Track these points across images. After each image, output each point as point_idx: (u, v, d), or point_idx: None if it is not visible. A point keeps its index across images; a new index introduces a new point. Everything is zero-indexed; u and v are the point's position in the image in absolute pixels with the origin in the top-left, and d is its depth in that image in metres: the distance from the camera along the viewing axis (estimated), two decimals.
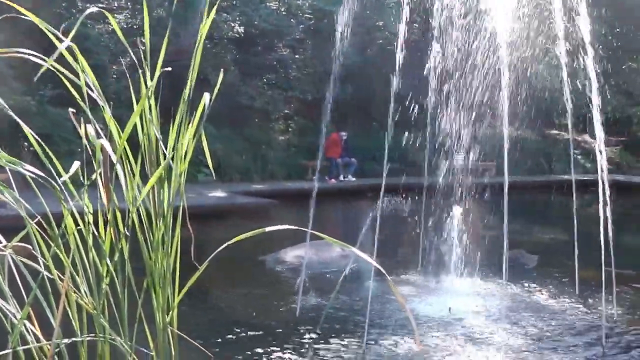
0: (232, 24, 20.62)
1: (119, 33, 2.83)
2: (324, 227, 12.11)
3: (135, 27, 20.38)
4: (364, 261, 7.66)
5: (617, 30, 28.67)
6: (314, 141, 20.26)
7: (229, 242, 2.79)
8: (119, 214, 2.82)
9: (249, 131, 22.18)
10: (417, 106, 10.03)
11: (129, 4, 21.25)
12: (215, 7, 2.81)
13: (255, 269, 9.87)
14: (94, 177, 2.65)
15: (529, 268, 10.51)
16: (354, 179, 21.71)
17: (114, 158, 2.59)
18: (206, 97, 2.78)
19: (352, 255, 8.60)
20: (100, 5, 20.20)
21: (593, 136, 7.68)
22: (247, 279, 9.45)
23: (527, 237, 12.46)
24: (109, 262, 2.82)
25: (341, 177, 21.80)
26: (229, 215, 14.11)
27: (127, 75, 2.84)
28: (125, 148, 2.78)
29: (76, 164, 2.48)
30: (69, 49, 2.51)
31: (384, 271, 2.81)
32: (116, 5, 21.13)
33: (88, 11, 2.65)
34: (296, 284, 8.25)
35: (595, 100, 7.44)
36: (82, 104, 2.66)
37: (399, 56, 7.34)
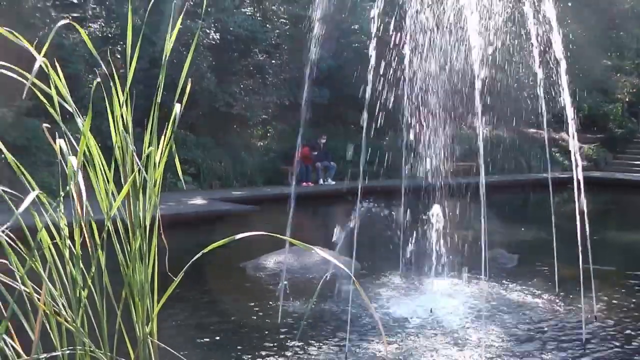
0: (208, 31, 20.53)
1: (90, 45, 2.82)
2: (304, 231, 12.11)
3: (110, 35, 20.27)
4: (345, 265, 7.65)
5: (593, 28, 28.90)
6: (292, 146, 20.29)
7: (202, 252, 2.79)
8: (94, 225, 2.82)
9: (227, 137, 22.15)
10: (393, 108, 10.03)
11: (103, 12, 21.09)
12: (183, 14, 2.83)
13: (236, 276, 9.85)
14: (65, 190, 2.64)
15: (509, 267, 10.57)
16: (333, 182, 21.74)
17: (81, 171, 2.59)
18: (177, 107, 2.77)
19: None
20: (74, 14, 20.08)
21: (571, 134, 7.74)
22: (227, 286, 9.42)
23: (507, 237, 12.50)
24: (86, 274, 2.81)
25: (321, 181, 21.84)
26: (209, 222, 14.08)
27: (102, 86, 2.83)
28: (100, 159, 2.78)
29: (33, 194, 2.46)
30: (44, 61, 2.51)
31: (350, 273, 2.82)
32: (90, 13, 20.97)
33: (60, 23, 2.64)
34: (277, 290, 8.24)
35: (568, 99, 7.52)
36: (56, 117, 2.66)
37: (372, 60, 7.35)
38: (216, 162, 20.82)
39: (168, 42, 2.90)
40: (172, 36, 2.90)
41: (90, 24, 20.36)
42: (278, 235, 3.01)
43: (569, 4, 24.04)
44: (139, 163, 2.78)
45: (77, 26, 2.92)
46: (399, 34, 9.35)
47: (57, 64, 2.65)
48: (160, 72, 2.83)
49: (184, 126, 19.05)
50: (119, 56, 18.10)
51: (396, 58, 9.25)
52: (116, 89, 2.78)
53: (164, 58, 2.88)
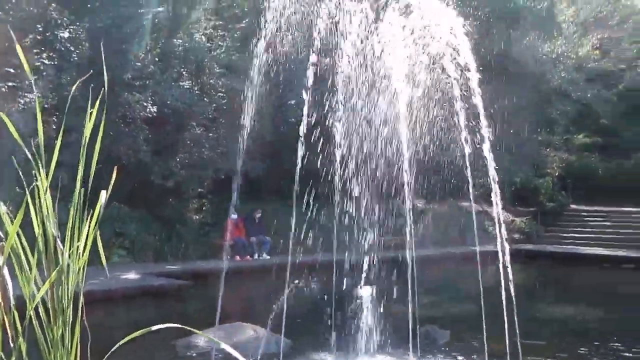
0: (145, 104, 20.53)
1: (11, 128, 2.86)
2: (237, 307, 12.04)
3: (47, 105, 20.06)
4: (276, 343, 7.60)
5: (524, 105, 29.83)
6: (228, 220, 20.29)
7: (118, 344, 2.80)
8: (16, 313, 2.81)
9: (162, 210, 22.00)
10: (326, 182, 10.14)
11: (40, 82, 20.90)
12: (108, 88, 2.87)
13: (166, 355, 9.66)
14: None
15: (440, 343, 10.62)
16: (268, 257, 21.67)
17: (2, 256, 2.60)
18: (102, 195, 2.82)
19: (264, 337, 8.59)
20: (10, 83, 19.91)
21: (503, 208, 7.97)
22: None
23: (439, 312, 12.60)
24: None
25: (255, 256, 21.74)
26: (142, 298, 13.87)
27: (37, 158, 2.86)
28: (22, 245, 2.79)
29: None
30: None
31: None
32: (27, 82, 20.78)
33: None
34: None
35: (493, 173, 7.75)
36: None
37: (303, 134, 7.49)
38: (150, 235, 20.63)
39: (88, 123, 2.94)
40: (92, 115, 2.94)
41: (26, 94, 20.17)
42: (193, 330, 3.03)
43: (501, 81, 24.82)
44: (64, 250, 2.80)
45: (2, 115, 2.96)
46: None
47: None
48: (80, 158, 2.87)
49: (117, 199, 18.87)
50: (54, 127, 17.87)
51: (328, 132, 9.39)
52: (40, 176, 2.81)
53: (83, 139, 2.92)
